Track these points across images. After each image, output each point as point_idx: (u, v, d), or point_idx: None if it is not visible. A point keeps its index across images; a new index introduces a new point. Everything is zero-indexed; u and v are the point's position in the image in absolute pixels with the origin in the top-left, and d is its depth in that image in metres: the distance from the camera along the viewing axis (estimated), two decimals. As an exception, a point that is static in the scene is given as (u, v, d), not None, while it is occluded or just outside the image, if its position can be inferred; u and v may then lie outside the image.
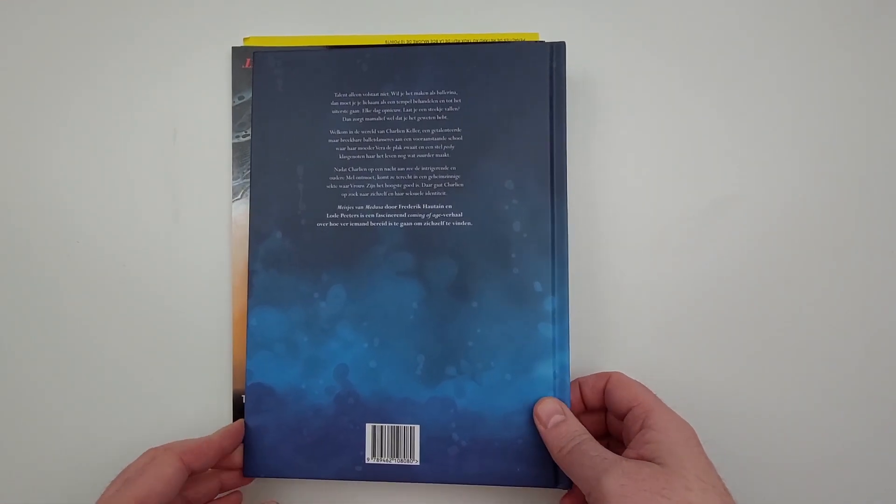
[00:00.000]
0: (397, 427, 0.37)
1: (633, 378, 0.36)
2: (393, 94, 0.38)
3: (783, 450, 0.39)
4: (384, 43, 0.41)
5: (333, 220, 0.38)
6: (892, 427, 0.39)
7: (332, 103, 0.38)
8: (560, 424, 0.34)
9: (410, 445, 0.36)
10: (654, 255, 0.40)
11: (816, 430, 0.39)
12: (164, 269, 0.42)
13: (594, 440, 0.33)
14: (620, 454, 0.31)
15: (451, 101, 0.38)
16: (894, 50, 0.40)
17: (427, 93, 0.38)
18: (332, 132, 0.38)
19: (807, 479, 0.39)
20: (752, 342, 0.40)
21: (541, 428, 0.35)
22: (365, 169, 0.38)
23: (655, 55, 0.42)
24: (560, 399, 0.36)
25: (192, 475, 0.33)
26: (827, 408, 0.39)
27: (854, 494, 0.39)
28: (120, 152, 0.42)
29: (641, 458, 0.30)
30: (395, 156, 0.38)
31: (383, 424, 0.37)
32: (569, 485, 0.36)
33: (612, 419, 0.37)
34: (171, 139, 0.42)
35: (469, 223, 0.37)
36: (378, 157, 0.38)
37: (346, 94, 0.38)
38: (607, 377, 0.36)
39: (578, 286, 0.39)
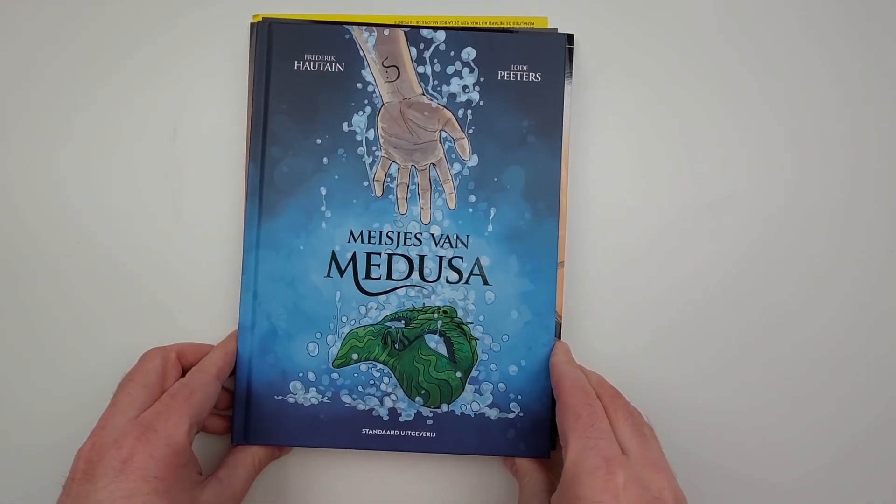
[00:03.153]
0: None
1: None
2: None
3: (777, 456, 0.41)
4: (393, 23, 0.40)
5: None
6: (884, 432, 0.41)
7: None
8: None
9: None
10: (648, 255, 0.41)
11: (811, 434, 0.41)
12: (166, 269, 0.41)
13: None
14: None
15: None
16: (891, 50, 0.42)
17: None
18: None
19: (791, 488, 0.40)
20: (747, 345, 0.41)
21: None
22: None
23: (652, 55, 0.42)
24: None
25: None
26: (822, 411, 0.41)
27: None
28: (120, 151, 0.41)
29: None
30: None
31: None
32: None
33: None
34: (171, 138, 0.41)
35: None
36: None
37: None
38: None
39: (570, 284, 0.40)
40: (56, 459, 0.39)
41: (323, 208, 0.39)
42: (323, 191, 0.39)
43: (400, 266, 0.39)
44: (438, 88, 0.39)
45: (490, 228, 0.39)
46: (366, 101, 0.39)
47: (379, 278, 0.39)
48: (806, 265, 0.41)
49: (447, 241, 0.39)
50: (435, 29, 0.39)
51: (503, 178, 0.39)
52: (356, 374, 0.39)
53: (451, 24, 0.41)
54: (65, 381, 0.41)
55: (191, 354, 0.37)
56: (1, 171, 0.41)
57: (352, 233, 0.39)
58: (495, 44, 0.39)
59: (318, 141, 0.39)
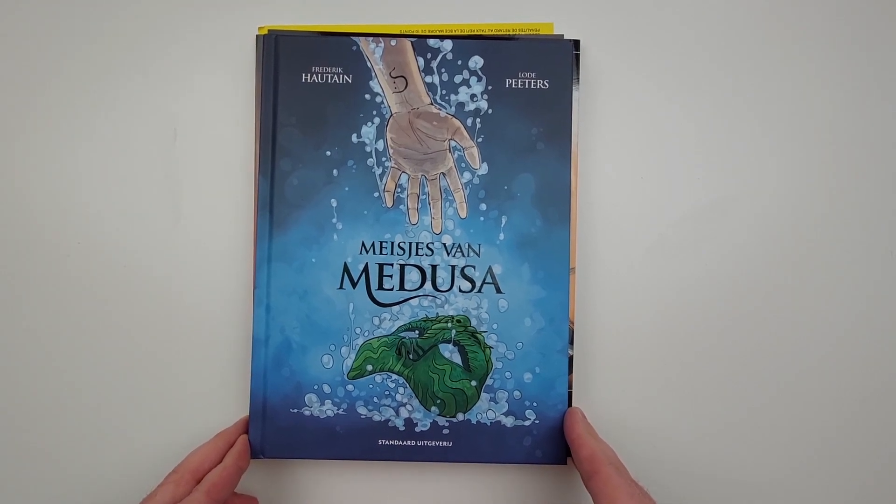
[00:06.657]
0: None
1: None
2: None
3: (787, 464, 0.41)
4: (399, 33, 0.40)
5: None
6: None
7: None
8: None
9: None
10: (660, 258, 0.41)
11: (813, 434, 0.41)
12: (168, 270, 0.41)
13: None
14: None
15: None
16: (890, 52, 0.42)
17: None
18: None
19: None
20: (760, 343, 0.41)
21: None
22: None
23: (658, 59, 0.42)
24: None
25: None
26: (826, 412, 0.41)
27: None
28: (122, 159, 0.41)
29: None
30: None
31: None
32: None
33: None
34: (172, 146, 0.41)
35: None
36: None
37: None
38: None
39: (581, 290, 0.40)
40: (53, 460, 0.41)
41: (334, 220, 0.39)
42: (333, 203, 0.39)
43: (412, 276, 0.39)
44: (447, 98, 0.39)
45: (501, 236, 0.39)
46: (374, 112, 0.39)
47: (392, 289, 0.39)
48: (815, 266, 0.41)
49: (459, 250, 0.39)
50: (441, 38, 0.39)
51: (513, 185, 0.39)
52: (371, 386, 0.39)
53: (458, 33, 0.41)
54: (63, 381, 0.41)
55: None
56: (10, 172, 0.41)
57: (363, 244, 0.39)
58: (502, 51, 0.39)
59: (328, 153, 0.39)
